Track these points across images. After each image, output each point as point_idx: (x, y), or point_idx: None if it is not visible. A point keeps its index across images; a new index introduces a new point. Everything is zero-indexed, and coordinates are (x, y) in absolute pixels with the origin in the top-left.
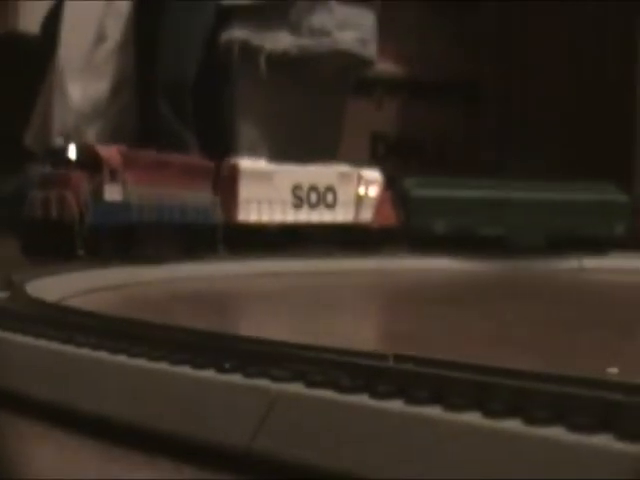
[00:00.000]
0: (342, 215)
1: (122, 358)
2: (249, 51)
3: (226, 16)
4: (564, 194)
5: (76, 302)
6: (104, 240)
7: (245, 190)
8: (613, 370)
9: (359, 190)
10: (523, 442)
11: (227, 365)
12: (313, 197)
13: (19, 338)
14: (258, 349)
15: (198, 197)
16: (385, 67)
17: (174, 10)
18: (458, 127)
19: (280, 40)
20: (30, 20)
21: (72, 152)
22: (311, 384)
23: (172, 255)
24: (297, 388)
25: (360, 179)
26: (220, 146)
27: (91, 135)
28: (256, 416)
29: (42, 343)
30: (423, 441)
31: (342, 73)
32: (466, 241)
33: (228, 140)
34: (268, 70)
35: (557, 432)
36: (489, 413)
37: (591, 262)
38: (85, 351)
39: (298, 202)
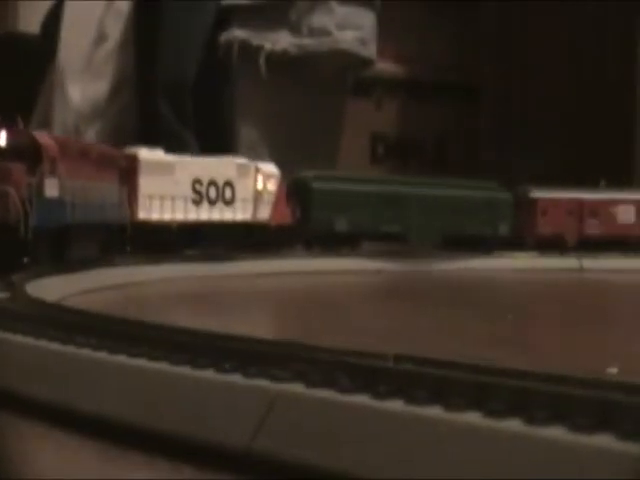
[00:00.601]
0: (241, 213)
1: (122, 358)
2: (249, 51)
3: (226, 16)
4: (457, 192)
5: (76, 302)
6: (40, 245)
7: (145, 184)
8: (613, 370)
9: (257, 185)
10: (523, 442)
11: (227, 365)
12: (212, 193)
13: (19, 338)
14: (258, 349)
15: (111, 192)
16: (385, 67)
17: (174, 10)
18: (458, 127)
19: (280, 40)
20: (30, 20)
21: (2, 139)
22: (311, 384)
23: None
24: (297, 388)
25: (258, 173)
26: (220, 146)
27: (91, 135)
28: (256, 416)
29: (42, 343)
30: (423, 441)
31: (342, 73)
32: (366, 238)
33: (228, 140)
34: (268, 70)
35: (557, 432)
36: (489, 413)
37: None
38: (85, 351)
39: (198, 198)
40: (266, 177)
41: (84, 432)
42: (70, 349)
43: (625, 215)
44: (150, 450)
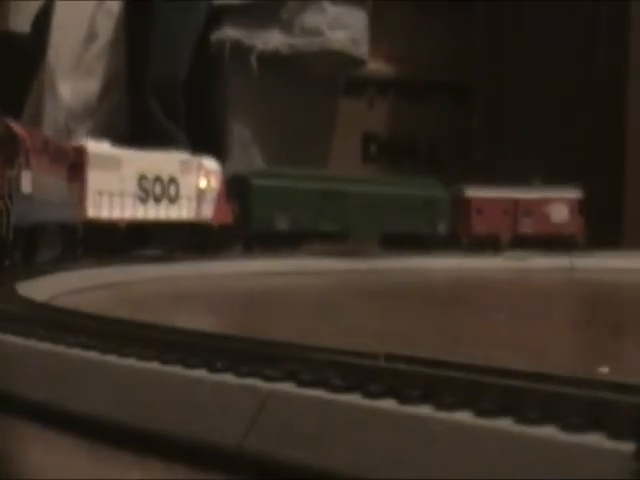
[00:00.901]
0: (185, 211)
1: (113, 358)
2: (240, 50)
3: (217, 15)
4: (397, 190)
5: (66, 301)
6: (11, 244)
7: (94, 179)
8: (604, 370)
9: (200, 182)
10: (515, 441)
11: (219, 364)
12: (158, 189)
13: (9, 338)
14: (250, 348)
15: (64, 188)
16: (376, 67)
17: (165, 9)
18: (450, 127)
19: (271, 39)
20: (21, 19)
21: None
22: (303, 383)
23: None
24: (289, 387)
25: (200, 169)
26: (211, 145)
27: (82, 134)
28: (248, 415)
29: (32, 343)
30: (415, 440)
31: (334, 72)
32: (307, 238)
33: (219, 139)
34: (259, 69)
35: (549, 431)
36: (480, 412)
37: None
38: (76, 351)
39: (144, 195)
40: (209, 173)
41: (75, 432)
42: (60, 349)
43: (558, 214)
44: (142, 450)
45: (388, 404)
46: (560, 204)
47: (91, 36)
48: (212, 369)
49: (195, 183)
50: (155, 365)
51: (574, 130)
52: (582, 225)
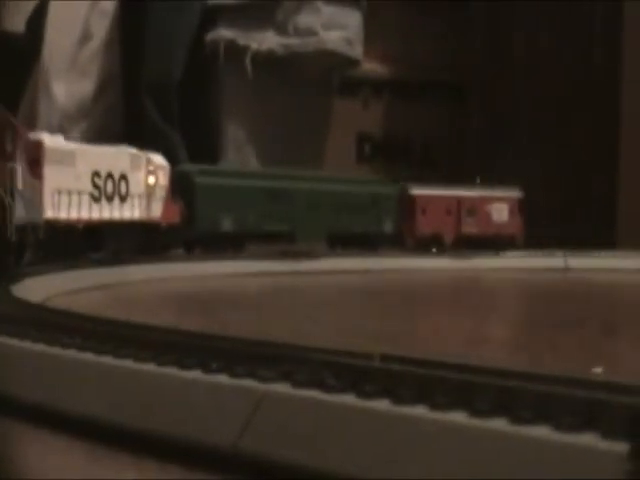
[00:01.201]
0: (136, 210)
1: (108, 359)
2: (235, 51)
3: (212, 16)
4: (342, 187)
5: (61, 302)
6: (15, 245)
7: (51, 176)
8: (598, 370)
9: (149, 179)
10: (509, 441)
11: (214, 365)
12: (109, 187)
13: (4, 340)
14: (245, 349)
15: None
16: (371, 67)
17: (159, 10)
18: (444, 127)
19: (266, 40)
20: (16, 19)
21: None
22: (297, 384)
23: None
24: (283, 388)
25: (149, 164)
26: (206, 146)
27: (76, 134)
28: (242, 416)
29: (27, 345)
30: (409, 440)
31: (328, 73)
32: (252, 238)
33: (214, 139)
34: (254, 70)
35: (543, 431)
36: (475, 413)
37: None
38: (71, 352)
39: (97, 194)
40: (157, 169)
41: (71, 433)
42: (55, 351)
43: (499, 213)
44: (138, 450)
45: (382, 404)
46: (501, 203)
47: (85, 37)
48: (207, 370)
49: (144, 180)
50: (150, 366)
51: (570, 130)
52: (521, 225)
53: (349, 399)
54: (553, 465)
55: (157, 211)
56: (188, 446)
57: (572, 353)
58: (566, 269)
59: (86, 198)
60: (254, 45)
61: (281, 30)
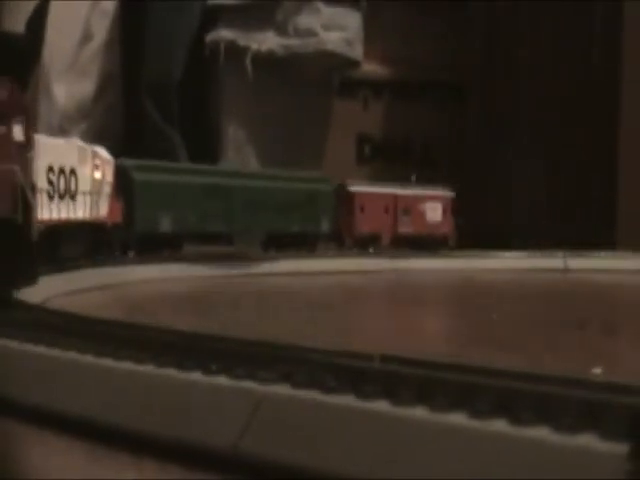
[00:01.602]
0: (87, 209)
1: (108, 361)
2: (235, 51)
3: (212, 16)
4: (279, 185)
5: (60, 303)
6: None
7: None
8: (597, 370)
9: (95, 174)
10: (509, 442)
11: (213, 367)
12: (62, 184)
13: (4, 342)
14: (244, 350)
15: None
16: (371, 68)
17: (159, 10)
18: (444, 127)
19: (266, 40)
20: (16, 20)
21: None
22: (297, 385)
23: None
24: (283, 389)
25: (95, 158)
26: (206, 146)
27: (76, 135)
28: (242, 417)
29: (27, 347)
30: (409, 441)
31: (328, 73)
32: (192, 239)
33: (214, 139)
34: (254, 70)
35: (542, 432)
36: (474, 414)
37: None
38: (71, 354)
39: (52, 191)
40: (103, 164)
41: (71, 434)
42: (56, 352)
43: (433, 213)
44: (138, 451)
45: (382, 405)
46: (434, 203)
47: (86, 37)
48: (207, 371)
49: (90, 175)
50: (150, 368)
51: (570, 130)
52: (453, 226)
53: (348, 400)
54: (553, 466)
55: (104, 210)
56: (188, 447)
57: (572, 353)
58: (566, 269)
59: (43, 196)
60: (254, 46)
61: (281, 31)
